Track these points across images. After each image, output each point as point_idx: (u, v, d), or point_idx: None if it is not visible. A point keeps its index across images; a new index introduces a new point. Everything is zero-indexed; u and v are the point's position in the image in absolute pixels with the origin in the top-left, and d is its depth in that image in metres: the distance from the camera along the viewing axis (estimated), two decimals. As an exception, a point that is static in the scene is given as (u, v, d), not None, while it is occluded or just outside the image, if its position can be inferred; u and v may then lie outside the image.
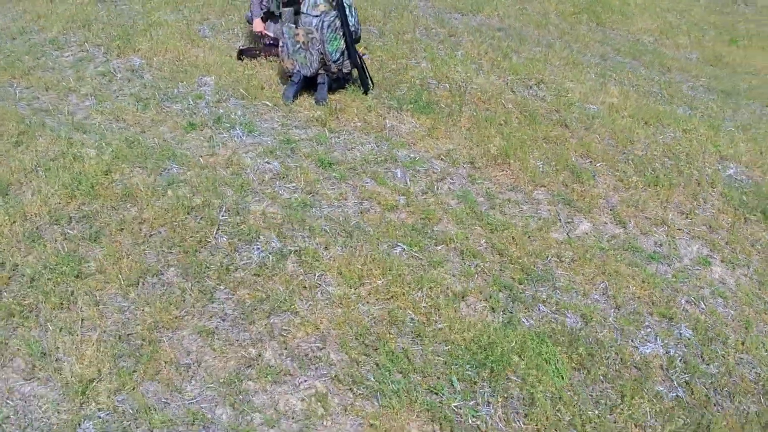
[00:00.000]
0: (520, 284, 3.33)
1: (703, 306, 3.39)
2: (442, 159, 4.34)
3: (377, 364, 2.79)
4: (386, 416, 2.59)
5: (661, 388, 2.90)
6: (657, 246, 3.81)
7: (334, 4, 4.77)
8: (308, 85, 4.91)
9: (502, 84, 5.52)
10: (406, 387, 2.70)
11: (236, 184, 3.78)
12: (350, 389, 2.70)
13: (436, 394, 2.71)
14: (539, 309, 3.20)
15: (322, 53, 4.72)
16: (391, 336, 2.93)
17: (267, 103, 4.77)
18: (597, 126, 4.99)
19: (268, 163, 4.03)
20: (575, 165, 4.42)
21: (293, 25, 4.83)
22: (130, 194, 3.60)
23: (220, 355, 2.77)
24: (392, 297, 3.13)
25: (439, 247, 3.52)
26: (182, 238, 3.33)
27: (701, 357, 3.09)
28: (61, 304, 2.91)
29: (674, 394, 2.88)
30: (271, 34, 5.51)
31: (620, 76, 6.23)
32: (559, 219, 3.88)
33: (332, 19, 4.74)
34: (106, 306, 2.93)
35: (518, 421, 2.66)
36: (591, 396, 2.80)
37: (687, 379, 2.96)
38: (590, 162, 4.53)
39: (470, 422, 2.62)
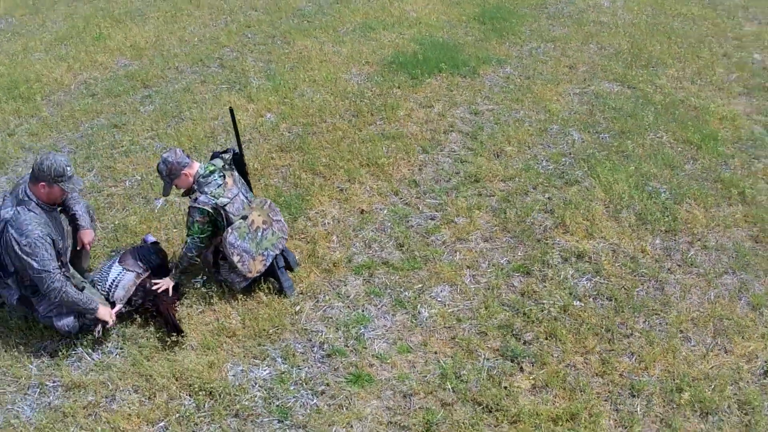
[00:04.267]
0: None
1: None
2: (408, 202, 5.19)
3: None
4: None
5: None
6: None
7: (228, 164, 4.28)
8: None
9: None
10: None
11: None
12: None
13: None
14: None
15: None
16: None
17: (281, 325, 4.35)
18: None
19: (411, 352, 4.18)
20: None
21: (241, 221, 4.17)
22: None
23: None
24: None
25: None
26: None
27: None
28: None
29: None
30: (120, 305, 4.22)
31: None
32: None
33: (240, 179, 4.38)
34: None
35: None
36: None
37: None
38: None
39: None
